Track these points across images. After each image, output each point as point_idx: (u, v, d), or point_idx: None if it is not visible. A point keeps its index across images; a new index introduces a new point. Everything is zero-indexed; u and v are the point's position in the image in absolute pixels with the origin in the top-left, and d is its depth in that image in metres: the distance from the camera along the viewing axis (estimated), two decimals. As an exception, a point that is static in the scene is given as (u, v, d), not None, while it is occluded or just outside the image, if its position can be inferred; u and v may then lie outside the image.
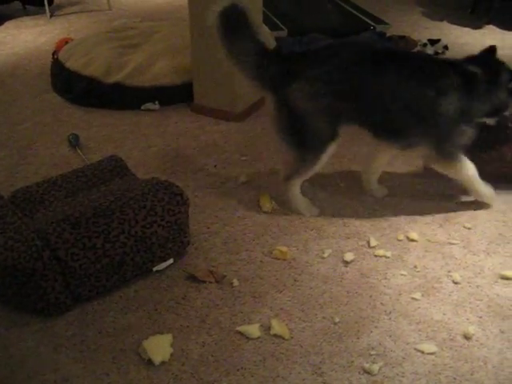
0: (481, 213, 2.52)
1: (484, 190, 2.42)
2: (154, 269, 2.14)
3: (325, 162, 2.32)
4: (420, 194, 2.67)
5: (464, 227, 2.44)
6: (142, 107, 3.50)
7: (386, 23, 4.65)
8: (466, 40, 4.94)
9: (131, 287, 2.12)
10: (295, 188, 2.40)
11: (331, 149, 2.27)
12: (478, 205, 2.54)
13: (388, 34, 4.55)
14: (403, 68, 2.16)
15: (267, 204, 2.56)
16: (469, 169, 2.33)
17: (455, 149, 2.26)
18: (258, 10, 3.21)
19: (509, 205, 2.56)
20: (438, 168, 2.37)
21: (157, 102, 3.50)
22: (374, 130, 2.25)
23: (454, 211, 2.56)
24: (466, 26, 5.28)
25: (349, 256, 2.26)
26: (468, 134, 2.24)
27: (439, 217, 2.52)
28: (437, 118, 2.17)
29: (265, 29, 3.79)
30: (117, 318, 2.00)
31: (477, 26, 5.26)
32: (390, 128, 2.24)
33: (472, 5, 5.55)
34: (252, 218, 2.49)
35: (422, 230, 2.43)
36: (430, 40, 4.48)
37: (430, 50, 4.45)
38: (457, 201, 2.61)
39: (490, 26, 5.26)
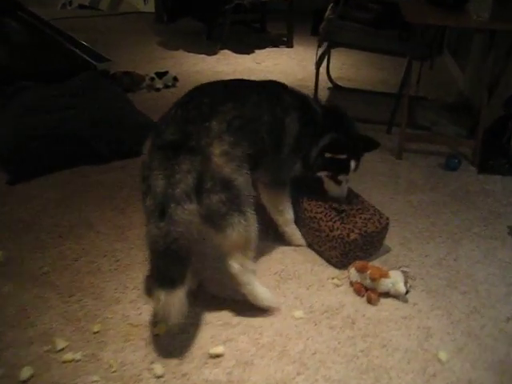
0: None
1: (298, 238, 2.41)
2: None
3: None
4: (115, 274, 2.27)
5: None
6: None
7: (108, 60, 4.25)
8: (201, 67, 4.78)
9: None
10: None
11: None
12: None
13: (112, 71, 4.14)
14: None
15: None
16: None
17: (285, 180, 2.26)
18: None
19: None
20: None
21: None
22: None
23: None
24: (201, 52, 5.14)
25: (26, 372, 1.77)
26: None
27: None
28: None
29: None
30: None
31: (212, 52, 5.13)
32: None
33: (207, 31, 5.43)
34: None
35: (125, 313, 2.02)
36: (157, 73, 4.19)
37: (159, 84, 4.15)
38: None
39: (225, 51, 5.17)
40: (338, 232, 2.24)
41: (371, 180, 2.96)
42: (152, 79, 4.18)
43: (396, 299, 2.16)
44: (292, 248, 2.43)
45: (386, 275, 2.13)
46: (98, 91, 3.68)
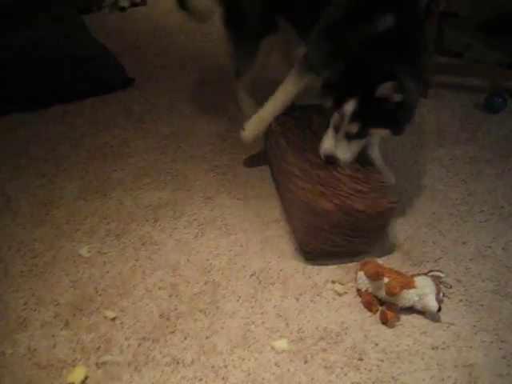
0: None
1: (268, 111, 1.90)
2: None
3: (265, 57, 2.10)
4: (27, 279, 1.64)
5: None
6: None
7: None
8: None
9: None
10: (243, 87, 2.19)
11: (270, 43, 2.06)
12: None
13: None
14: None
15: None
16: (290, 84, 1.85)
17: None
18: None
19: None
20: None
21: None
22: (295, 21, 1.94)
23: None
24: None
25: None
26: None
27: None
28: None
29: None
30: None
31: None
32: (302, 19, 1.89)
33: None
34: None
35: (32, 344, 1.42)
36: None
37: (124, 2, 3.33)
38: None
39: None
40: (306, 194, 1.54)
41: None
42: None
43: (422, 315, 1.48)
44: (278, 232, 1.75)
45: (409, 285, 1.44)
46: (41, 13, 2.89)
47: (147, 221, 1.81)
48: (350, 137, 1.58)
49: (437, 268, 1.62)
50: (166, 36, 3.13)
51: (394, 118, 1.53)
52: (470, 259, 1.70)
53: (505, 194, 1.97)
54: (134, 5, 3.41)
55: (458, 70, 2.63)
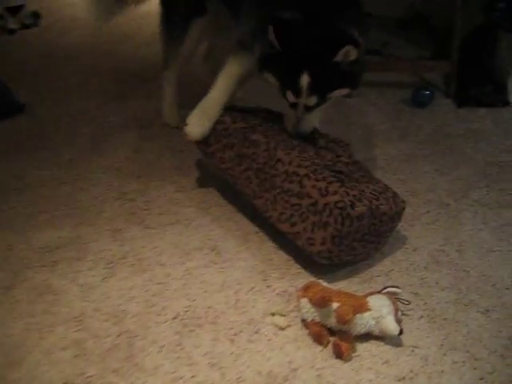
0: None
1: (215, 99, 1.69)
2: None
3: (194, 43, 2.04)
4: None
5: None
6: None
7: None
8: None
9: None
10: (169, 79, 2.09)
11: (199, 26, 1.99)
12: None
13: None
14: None
15: None
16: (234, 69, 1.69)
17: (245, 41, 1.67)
18: None
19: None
20: None
21: None
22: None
23: None
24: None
25: None
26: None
27: None
28: None
29: None
30: None
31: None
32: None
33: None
34: None
35: None
36: (8, 8, 3.02)
37: (13, 24, 2.99)
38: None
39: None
40: (337, 198, 1.34)
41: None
42: (2, 17, 3.02)
43: (381, 341, 1.25)
44: (202, 262, 1.48)
45: (363, 307, 1.21)
46: None
47: (44, 266, 1.50)
48: (309, 108, 1.53)
49: (389, 282, 1.41)
50: (63, 57, 2.83)
51: (352, 74, 1.50)
52: (425, 267, 1.50)
53: (448, 190, 1.80)
54: (25, 27, 3.08)
55: (380, 67, 2.47)
